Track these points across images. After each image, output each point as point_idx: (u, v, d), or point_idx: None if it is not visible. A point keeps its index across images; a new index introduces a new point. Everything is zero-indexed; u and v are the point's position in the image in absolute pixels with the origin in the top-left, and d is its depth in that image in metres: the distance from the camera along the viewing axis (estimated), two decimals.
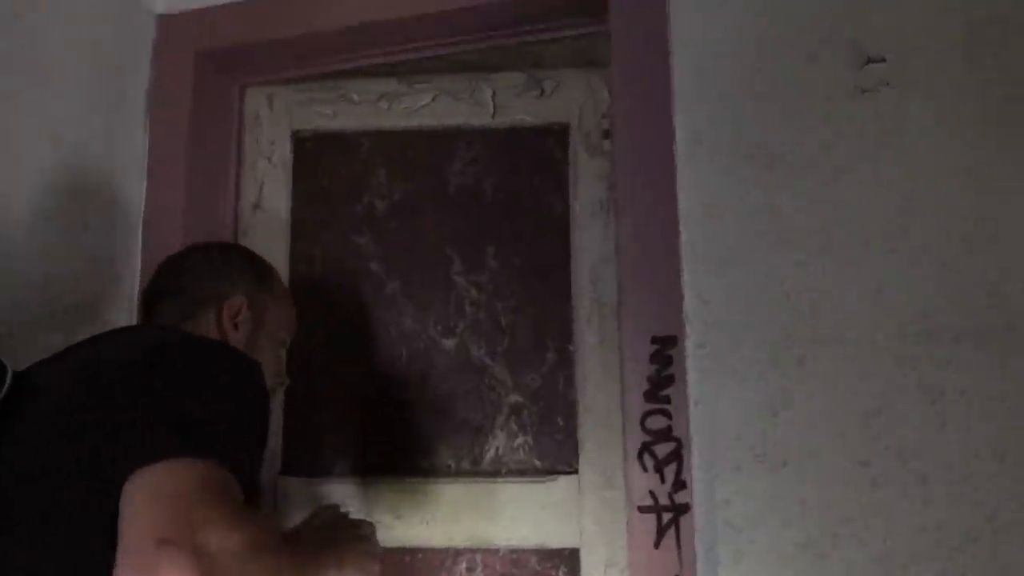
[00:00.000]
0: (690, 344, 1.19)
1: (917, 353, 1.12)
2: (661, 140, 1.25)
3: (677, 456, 1.17)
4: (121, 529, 0.64)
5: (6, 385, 0.78)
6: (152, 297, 1.07)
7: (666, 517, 1.16)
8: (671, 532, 1.15)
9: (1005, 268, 1.11)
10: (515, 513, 1.41)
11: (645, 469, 1.18)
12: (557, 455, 1.44)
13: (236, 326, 1.03)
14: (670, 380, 1.19)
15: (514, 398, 1.46)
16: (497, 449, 1.46)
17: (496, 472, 1.45)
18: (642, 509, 1.17)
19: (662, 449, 1.18)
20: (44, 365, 0.87)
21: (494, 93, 1.55)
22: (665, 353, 1.19)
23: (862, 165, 1.19)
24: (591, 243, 1.46)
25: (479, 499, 1.42)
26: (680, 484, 1.16)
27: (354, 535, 1.01)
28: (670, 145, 1.25)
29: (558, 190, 1.50)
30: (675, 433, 1.17)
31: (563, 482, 1.42)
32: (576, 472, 1.42)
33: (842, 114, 1.20)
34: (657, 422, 1.19)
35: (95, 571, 0.64)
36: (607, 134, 1.47)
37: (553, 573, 1.41)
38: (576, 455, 1.43)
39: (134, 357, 0.79)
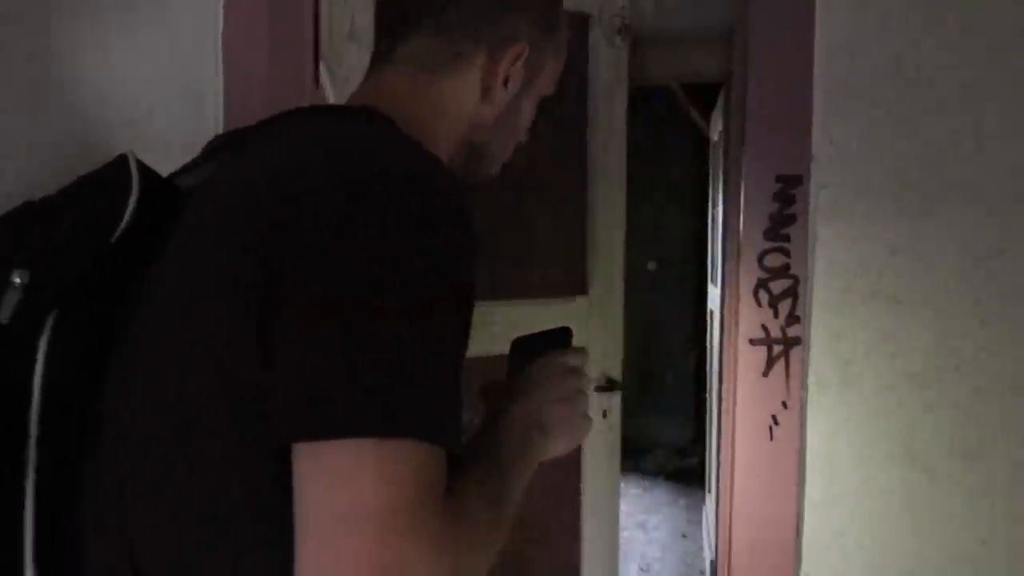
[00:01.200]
0: (815, 184, 1.20)
1: None
2: None
3: (793, 292, 1.21)
4: (295, 532, 0.45)
5: (127, 214, 0.55)
6: (396, 24, 0.71)
7: (776, 349, 1.22)
8: (780, 363, 1.22)
9: None
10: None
11: (760, 304, 1.23)
12: None
13: (506, 83, 0.70)
14: (792, 219, 1.20)
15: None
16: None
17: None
18: (753, 342, 1.23)
19: (778, 285, 1.22)
20: (201, 174, 0.62)
21: None
22: (788, 192, 1.20)
23: (1013, 12, 1.14)
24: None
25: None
26: (794, 319, 1.21)
27: (560, 398, 0.69)
28: None
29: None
30: (793, 270, 1.21)
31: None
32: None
33: None
34: (775, 260, 1.22)
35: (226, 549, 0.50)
36: (621, 30, 1.41)
37: None
38: None
39: (302, 218, 0.49)
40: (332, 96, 1.44)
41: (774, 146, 1.21)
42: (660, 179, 4.72)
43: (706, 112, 3.84)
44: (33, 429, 0.52)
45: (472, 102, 0.70)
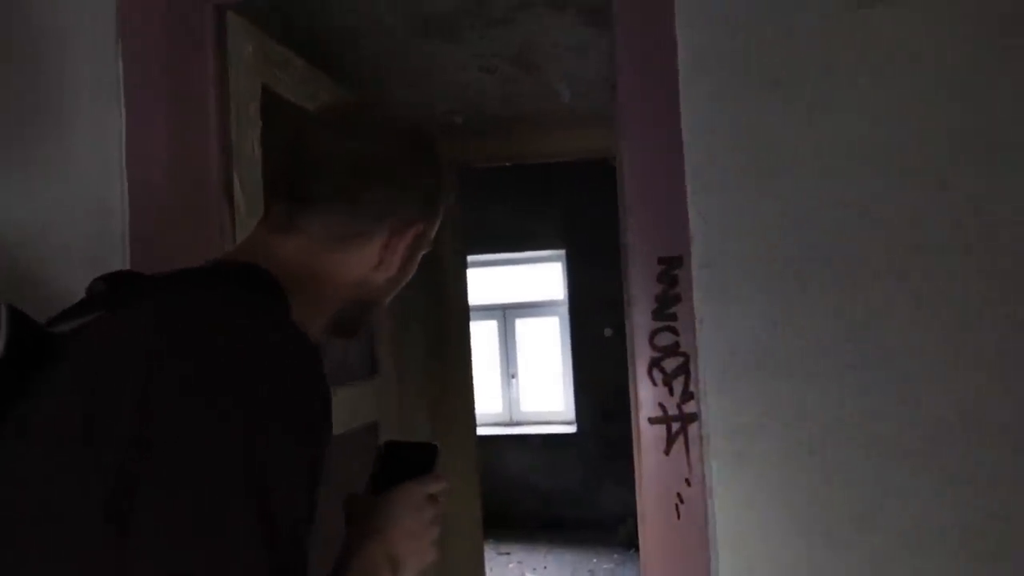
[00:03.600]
0: (695, 264, 1.24)
1: (906, 266, 1.19)
2: (665, 59, 1.25)
3: (685, 370, 1.23)
4: None
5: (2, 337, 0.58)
6: (298, 196, 0.74)
7: (675, 426, 1.24)
8: (680, 440, 1.23)
9: (992, 183, 1.17)
10: None
11: (655, 383, 1.25)
12: None
13: (398, 260, 0.78)
14: (677, 299, 1.24)
15: None
16: None
17: None
18: (652, 420, 1.25)
19: (670, 363, 1.24)
20: (78, 326, 0.65)
21: None
22: (671, 273, 1.24)
23: (860, 82, 1.21)
24: None
25: None
26: (688, 395, 1.23)
27: (413, 533, 0.76)
28: (673, 64, 1.25)
29: None
30: (683, 348, 1.23)
31: None
32: None
33: (842, 30, 1.22)
34: (665, 339, 1.24)
35: None
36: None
37: None
38: None
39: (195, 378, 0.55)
40: (243, 208, 1.46)
41: (654, 228, 1.25)
42: (612, 246, 4.80)
43: None
44: None
45: (366, 270, 0.77)
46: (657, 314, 1.24)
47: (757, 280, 1.22)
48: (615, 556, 4.31)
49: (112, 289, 0.72)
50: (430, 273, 2.71)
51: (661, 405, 1.24)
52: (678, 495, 1.23)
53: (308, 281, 0.73)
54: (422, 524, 0.76)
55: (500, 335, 5.19)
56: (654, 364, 1.25)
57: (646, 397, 1.25)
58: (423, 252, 0.84)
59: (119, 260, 1.36)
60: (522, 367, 5.20)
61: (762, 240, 1.22)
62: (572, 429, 4.89)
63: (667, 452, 1.24)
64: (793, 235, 1.22)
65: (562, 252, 4.96)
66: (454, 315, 2.91)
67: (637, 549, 4.33)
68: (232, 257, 0.77)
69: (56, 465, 0.54)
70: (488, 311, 5.14)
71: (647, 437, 1.25)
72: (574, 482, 4.82)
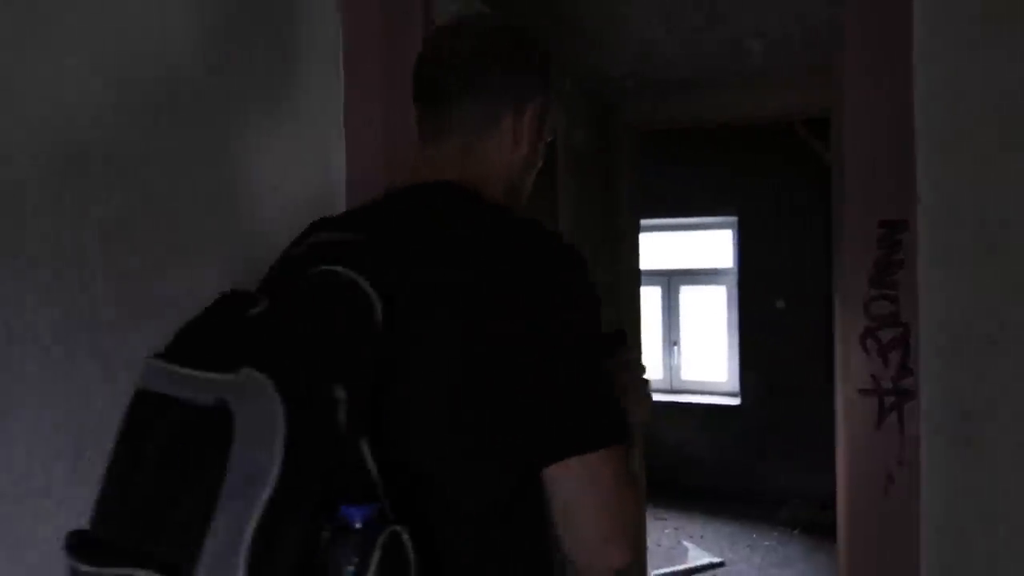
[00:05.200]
0: (922, 228, 1.14)
1: None
2: (900, 2, 1.15)
3: (903, 342, 1.15)
4: (561, 515, 0.72)
5: (378, 314, 0.67)
6: (435, 94, 0.84)
7: (888, 401, 1.16)
8: (893, 416, 1.16)
9: None
10: None
11: (867, 353, 1.17)
12: None
13: (527, 136, 0.85)
14: (899, 265, 1.15)
15: None
16: None
17: None
18: (863, 392, 1.18)
19: (886, 334, 1.16)
20: (399, 265, 0.72)
21: None
22: (894, 237, 1.15)
23: None
24: None
25: None
26: (906, 370, 1.15)
27: (633, 379, 0.91)
28: (909, 8, 1.14)
29: None
30: (902, 319, 1.15)
31: None
32: None
33: None
34: (882, 307, 1.16)
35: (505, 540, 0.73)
36: None
37: None
38: None
39: (512, 280, 0.71)
40: None
41: (876, 190, 1.17)
42: (785, 213, 4.56)
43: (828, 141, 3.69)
44: (380, 492, 0.64)
45: (507, 153, 0.85)
46: (874, 281, 1.17)
47: (995, 246, 1.11)
48: (775, 534, 4.16)
49: (360, 231, 0.76)
50: (604, 236, 2.70)
51: (874, 377, 1.17)
52: (888, 475, 1.16)
53: (478, 175, 0.82)
54: (633, 380, 0.90)
55: (664, 301, 5.10)
56: (868, 334, 1.17)
57: (857, 367, 1.18)
58: (548, 137, 0.90)
59: (341, 210, 1.46)
60: (684, 335, 5.09)
61: (1003, 202, 1.11)
62: (735, 401, 4.74)
63: (878, 427, 1.17)
64: None
65: (733, 219, 4.76)
66: (625, 279, 2.89)
67: (801, 530, 4.16)
68: (418, 179, 0.83)
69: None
70: (653, 277, 5.06)
71: (856, 409, 1.19)
72: (735, 456, 4.68)
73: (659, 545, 4.00)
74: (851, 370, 1.20)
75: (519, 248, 0.74)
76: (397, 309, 0.67)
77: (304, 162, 1.42)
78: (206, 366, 0.62)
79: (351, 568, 0.57)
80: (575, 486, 0.71)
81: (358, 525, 0.58)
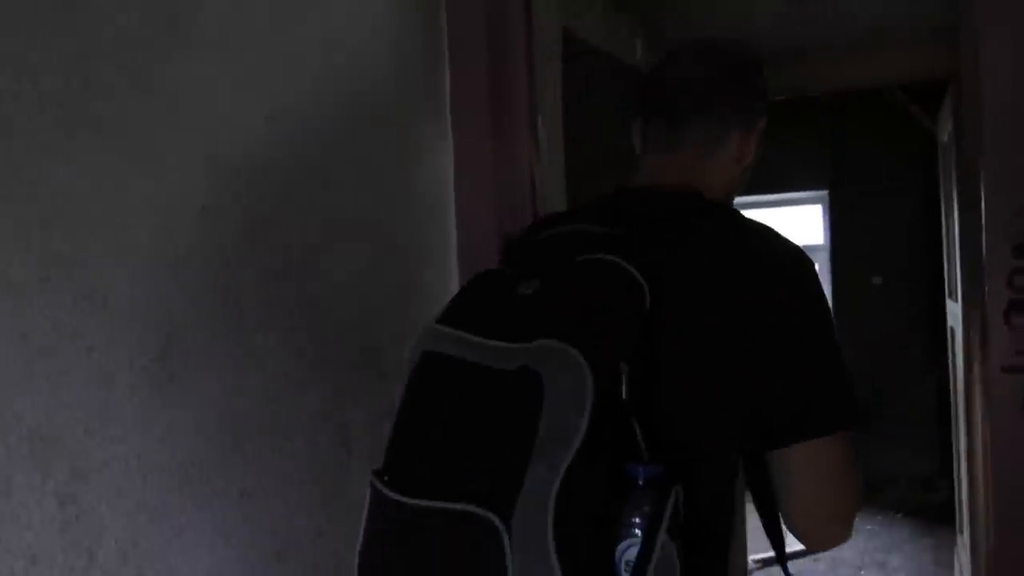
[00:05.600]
0: None
1: None
2: None
3: None
4: (789, 493, 0.78)
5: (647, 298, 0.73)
6: (670, 112, 0.90)
7: None
8: None
9: None
10: None
11: (1012, 328, 1.11)
12: None
13: (752, 152, 0.92)
14: None
15: None
16: None
17: None
18: (1006, 369, 1.12)
19: None
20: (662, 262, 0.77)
21: None
22: None
23: None
24: None
25: None
26: None
27: None
28: None
29: None
30: None
31: None
32: None
33: None
34: None
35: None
36: None
37: None
38: None
39: (755, 276, 0.78)
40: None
41: (1016, 158, 1.09)
42: (879, 185, 4.36)
43: (930, 109, 3.51)
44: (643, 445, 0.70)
45: (732, 166, 0.92)
46: (1020, 251, 1.10)
47: None
48: (878, 518, 4.01)
49: (612, 225, 0.82)
50: None
51: (1020, 353, 1.10)
52: None
53: (703, 186, 0.87)
54: None
55: None
56: (1013, 307, 1.10)
57: (1000, 343, 1.12)
58: (757, 158, 0.95)
59: (450, 251, 1.39)
60: None
61: None
62: None
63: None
64: None
65: (824, 193, 4.58)
66: None
67: (904, 513, 4.01)
68: (650, 182, 0.90)
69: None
70: None
71: (999, 387, 1.12)
72: None
73: (758, 528, 3.92)
74: (991, 348, 1.13)
75: (762, 244, 0.81)
76: (660, 292, 0.72)
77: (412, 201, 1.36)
78: (501, 337, 0.71)
79: (637, 519, 0.65)
80: (807, 467, 0.76)
81: (641, 482, 0.66)
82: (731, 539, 0.82)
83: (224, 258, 0.93)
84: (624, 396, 0.68)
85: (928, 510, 3.94)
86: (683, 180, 0.87)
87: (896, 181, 4.29)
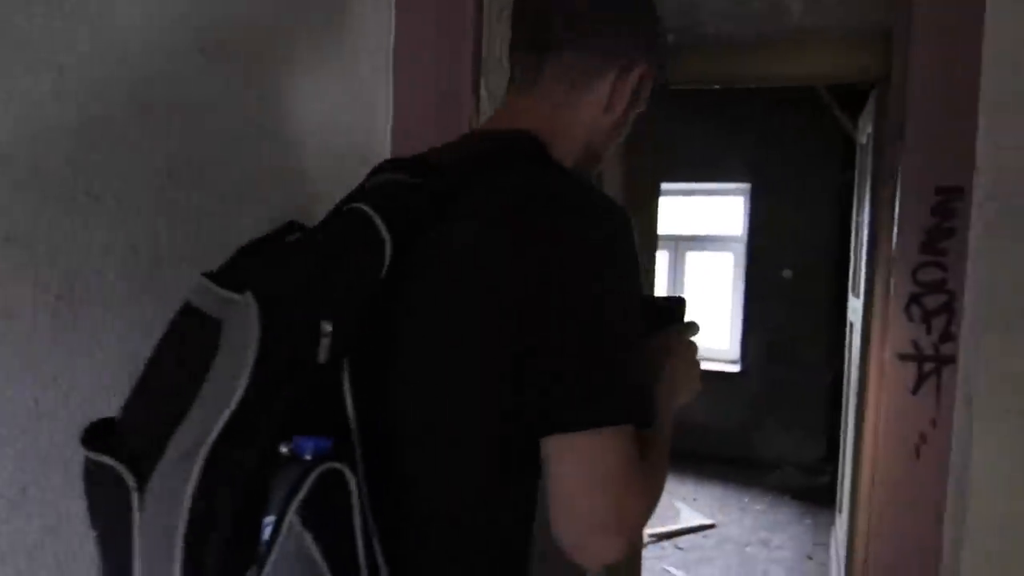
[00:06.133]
0: (979, 196, 1.14)
1: None
2: None
3: (949, 308, 1.16)
4: (552, 496, 0.65)
5: (387, 259, 0.65)
6: (539, 41, 0.79)
7: (928, 366, 1.18)
8: (931, 380, 1.18)
9: None
10: None
11: (911, 319, 1.19)
12: None
13: (623, 101, 0.80)
14: (950, 232, 1.16)
15: None
16: None
17: None
18: (902, 357, 1.19)
19: (933, 301, 1.17)
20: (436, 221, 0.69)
21: None
22: (949, 205, 1.15)
23: None
24: None
25: None
26: (948, 336, 1.16)
27: (684, 359, 0.85)
28: None
29: None
30: (949, 286, 1.16)
31: None
32: None
33: None
34: (931, 274, 1.17)
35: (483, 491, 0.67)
36: None
37: None
38: None
39: (523, 241, 0.65)
40: (487, 107, 1.50)
41: (934, 156, 1.16)
42: (800, 183, 4.54)
43: (853, 114, 3.67)
44: (355, 438, 0.64)
45: (597, 112, 0.80)
46: (925, 248, 1.17)
47: None
48: (767, 498, 4.25)
49: (414, 175, 0.72)
50: (626, 199, 2.69)
51: (915, 343, 1.18)
52: (921, 435, 1.18)
53: (559, 129, 0.78)
54: (692, 361, 0.84)
55: (670, 266, 5.11)
56: (914, 300, 1.18)
57: (898, 333, 1.20)
58: (639, 109, 0.84)
59: (384, 154, 1.45)
60: (689, 301, 5.12)
61: None
62: (736, 368, 4.79)
63: (915, 391, 1.19)
64: None
65: (747, 186, 4.75)
66: (643, 244, 2.89)
67: (792, 495, 4.26)
68: (498, 125, 0.80)
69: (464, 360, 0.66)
70: (661, 242, 5.07)
71: (893, 374, 1.20)
72: (733, 421, 4.75)
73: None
74: (890, 336, 1.21)
75: (557, 203, 0.68)
76: (413, 255, 0.65)
77: (351, 106, 1.39)
78: (230, 285, 0.63)
79: (281, 496, 0.56)
80: (568, 466, 0.64)
81: (307, 456, 0.57)
82: (530, 548, 0.70)
83: (138, 198, 0.89)
84: (322, 359, 0.60)
85: (813, 492, 4.19)
86: (536, 125, 0.77)
87: (815, 180, 4.48)
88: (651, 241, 2.97)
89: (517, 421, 0.64)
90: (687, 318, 0.88)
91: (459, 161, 0.73)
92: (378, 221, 0.64)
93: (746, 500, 4.26)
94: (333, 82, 1.33)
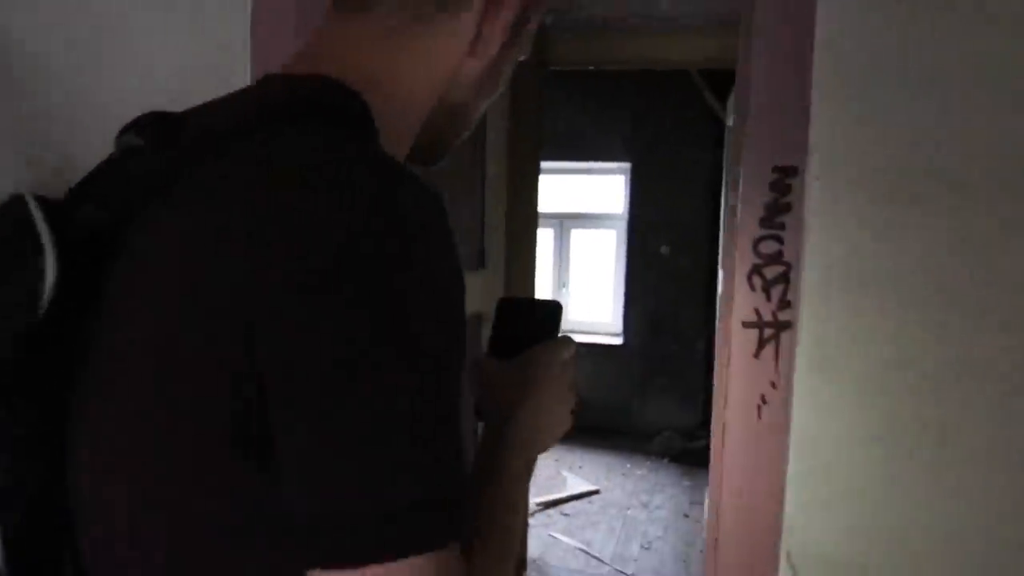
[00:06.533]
0: (811, 174, 1.24)
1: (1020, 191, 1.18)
2: None
3: (785, 278, 1.26)
4: None
5: (47, 290, 0.45)
6: None
7: (767, 332, 1.28)
8: (771, 345, 1.28)
9: None
10: None
11: (753, 289, 1.28)
12: None
13: (496, 40, 0.58)
14: (787, 208, 1.25)
15: None
16: None
17: None
18: (746, 324, 1.29)
19: (772, 271, 1.27)
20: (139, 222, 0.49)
21: None
22: (785, 182, 1.25)
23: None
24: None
25: None
26: (785, 303, 1.26)
27: (556, 402, 0.65)
28: None
29: None
30: (786, 257, 1.26)
31: None
32: None
33: None
34: (769, 247, 1.27)
35: None
36: None
37: None
38: None
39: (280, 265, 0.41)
40: None
41: (773, 136, 1.25)
42: (676, 163, 4.74)
43: (723, 96, 3.86)
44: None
45: (458, 55, 0.58)
46: (765, 222, 1.26)
47: (871, 195, 1.23)
48: (648, 463, 4.47)
49: (154, 142, 0.52)
50: (509, 176, 2.73)
51: (756, 311, 1.28)
52: (762, 396, 1.29)
53: (391, 74, 0.55)
54: (562, 393, 0.65)
55: (556, 244, 5.23)
56: (755, 271, 1.28)
57: (742, 302, 1.29)
58: (518, 56, 0.64)
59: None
60: (574, 277, 5.26)
61: (881, 155, 1.22)
62: (618, 341, 4.98)
63: (756, 355, 1.28)
64: (912, 151, 1.21)
65: (627, 165, 4.91)
66: (524, 222, 2.94)
67: (670, 459, 4.49)
68: (297, 68, 0.55)
69: (158, 402, 0.44)
70: (546, 219, 5.17)
71: (738, 340, 1.30)
72: (616, 392, 4.95)
73: (539, 475, 4.20)
74: (735, 305, 1.30)
75: (329, 189, 0.43)
76: (118, 259, 0.47)
77: (202, 43, 1.34)
78: None
79: None
80: None
81: None
82: None
83: None
84: None
85: (691, 455, 4.44)
86: (358, 66, 0.53)
87: (690, 160, 4.68)
88: (532, 220, 3.03)
89: (263, 523, 0.43)
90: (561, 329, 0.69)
91: (227, 120, 0.51)
92: (38, 222, 0.45)
93: (629, 466, 4.46)
94: (180, 17, 1.28)
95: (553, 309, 0.70)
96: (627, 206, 4.97)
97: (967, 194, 1.19)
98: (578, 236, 5.25)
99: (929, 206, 1.21)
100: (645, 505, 3.91)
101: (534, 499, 3.78)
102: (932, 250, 1.21)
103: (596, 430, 4.84)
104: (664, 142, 4.75)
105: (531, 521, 3.56)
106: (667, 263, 4.81)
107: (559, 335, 0.69)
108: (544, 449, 0.65)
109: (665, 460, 4.52)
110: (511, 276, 2.96)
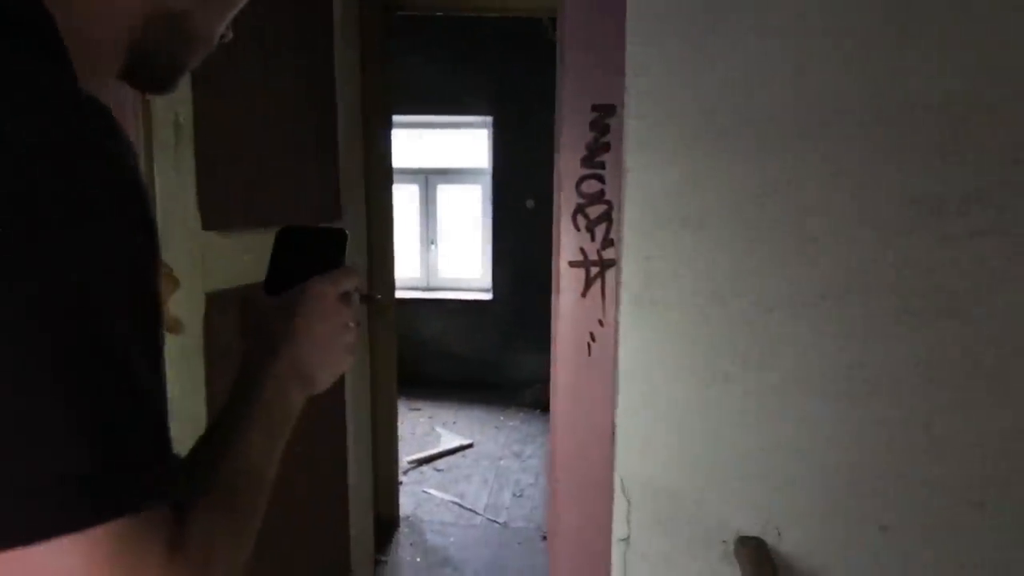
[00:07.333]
0: (628, 114, 1.26)
1: (825, 131, 1.24)
2: None
3: (607, 217, 1.28)
4: None
5: None
6: None
7: (593, 271, 1.30)
8: (597, 284, 1.30)
9: (917, 58, 1.22)
10: None
11: (577, 229, 1.29)
12: None
13: None
14: (606, 147, 1.26)
15: None
16: None
17: None
18: (572, 264, 1.30)
19: (595, 211, 1.28)
20: None
21: None
22: (604, 121, 1.26)
23: None
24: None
25: None
26: (608, 242, 1.28)
27: (327, 338, 0.62)
28: None
29: None
30: (607, 196, 1.27)
31: None
32: None
33: None
34: (591, 186, 1.28)
35: None
36: None
37: None
38: None
39: None
40: None
41: (591, 76, 1.25)
42: (537, 115, 4.75)
43: None
44: None
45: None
46: (586, 161, 1.27)
47: (684, 135, 1.26)
48: (520, 415, 4.56)
49: None
50: (356, 131, 2.62)
51: (582, 250, 1.29)
52: (591, 334, 1.31)
53: None
54: (335, 328, 0.62)
55: (421, 200, 5.15)
56: (579, 210, 1.29)
57: (568, 242, 1.30)
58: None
59: None
60: (442, 233, 5.21)
61: (692, 96, 1.25)
62: (488, 296, 5.01)
63: (584, 294, 1.30)
64: (722, 94, 1.25)
65: (489, 119, 4.88)
66: (376, 177, 2.86)
67: (542, 409, 4.58)
68: None
69: None
70: (410, 175, 5.07)
71: (566, 279, 1.31)
72: (487, 346, 4.99)
73: (413, 434, 4.19)
74: (563, 245, 1.31)
75: None
76: None
77: None
78: None
79: None
80: None
81: None
82: None
83: None
84: None
85: None
86: None
87: (551, 112, 4.71)
88: (385, 175, 2.95)
89: None
90: (346, 259, 0.66)
91: None
92: None
93: (502, 418, 4.53)
94: None
95: (336, 238, 0.66)
96: (491, 160, 4.95)
97: (769, 134, 1.24)
98: (445, 192, 5.20)
99: (738, 147, 1.25)
100: (518, 455, 3.99)
101: (406, 457, 3.77)
102: (742, 187, 1.26)
103: (469, 385, 4.88)
104: (524, 94, 4.75)
105: (404, 479, 3.55)
106: (533, 217, 4.85)
107: (343, 266, 0.65)
108: (317, 389, 0.61)
109: (537, 411, 4.62)
110: (371, 231, 2.89)
